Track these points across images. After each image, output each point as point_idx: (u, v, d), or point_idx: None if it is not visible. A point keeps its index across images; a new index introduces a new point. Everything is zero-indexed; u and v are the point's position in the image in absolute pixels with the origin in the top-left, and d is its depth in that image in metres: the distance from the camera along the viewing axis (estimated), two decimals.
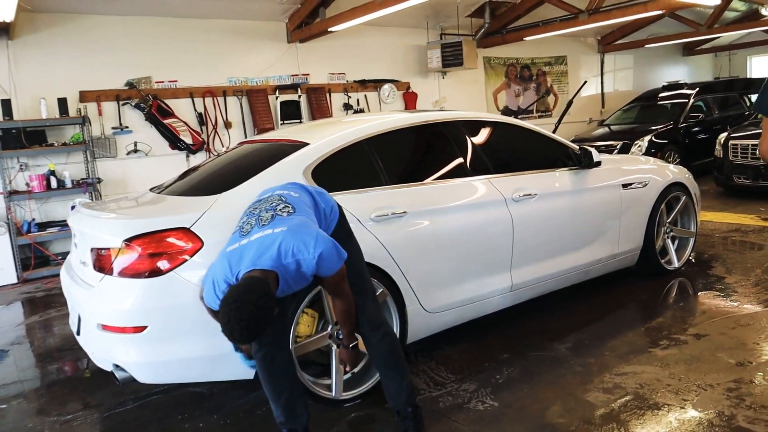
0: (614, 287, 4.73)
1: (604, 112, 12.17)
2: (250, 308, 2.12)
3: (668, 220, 5.00)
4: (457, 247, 3.60)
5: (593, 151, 4.26)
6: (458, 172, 3.81)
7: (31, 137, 6.99)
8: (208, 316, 2.56)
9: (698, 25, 11.25)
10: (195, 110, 8.30)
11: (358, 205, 3.31)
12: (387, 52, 9.92)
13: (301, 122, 8.88)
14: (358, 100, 9.61)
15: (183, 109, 8.23)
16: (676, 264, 4.99)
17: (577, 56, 12.22)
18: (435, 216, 3.53)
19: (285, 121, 8.81)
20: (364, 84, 9.65)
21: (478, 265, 3.72)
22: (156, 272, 2.84)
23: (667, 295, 4.58)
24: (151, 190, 3.88)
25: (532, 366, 3.49)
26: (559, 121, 5.65)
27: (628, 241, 4.63)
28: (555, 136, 4.39)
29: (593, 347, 3.66)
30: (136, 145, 7.91)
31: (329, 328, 3.17)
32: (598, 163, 4.26)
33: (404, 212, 3.40)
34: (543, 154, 4.34)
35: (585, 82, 5.48)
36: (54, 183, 7.11)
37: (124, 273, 2.87)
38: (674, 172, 5.08)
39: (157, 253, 2.86)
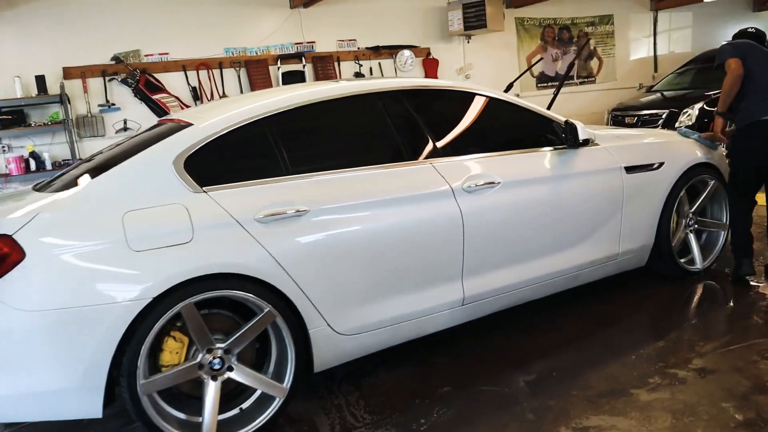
0: (619, 293, 3.84)
1: (656, 77, 10.81)
2: None
3: (691, 210, 4.02)
4: (383, 252, 2.84)
5: (578, 125, 3.35)
6: (391, 156, 3.02)
7: (11, 117, 6.62)
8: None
9: None
10: (188, 84, 7.73)
11: (242, 202, 2.61)
12: (404, 15, 9.01)
13: None
14: (371, 69, 8.79)
15: (175, 83, 7.67)
16: (699, 265, 4.02)
17: (625, 15, 10.87)
18: (350, 213, 2.78)
19: None
20: (377, 51, 8.81)
21: (414, 274, 2.95)
22: None
23: (680, 307, 3.65)
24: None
25: (474, 407, 2.71)
26: (554, 98, 4.67)
27: (634, 237, 3.71)
28: (535, 107, 3.50)
29: (560, 382, 2.85)
30: (125, 123, 7.44)
31: (200, 357, 2.52)
32: (586, 142, 3.35)
33: (305, 210, 2.66)
34: (517, 131, 3.48)
35: (540, 58, 4.48)
36: (33, 165, 6.74)
37: None
38: (703, 149, 4.08)
39: None
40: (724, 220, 4.17)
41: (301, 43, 8.32)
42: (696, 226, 4.07)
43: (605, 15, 10.65)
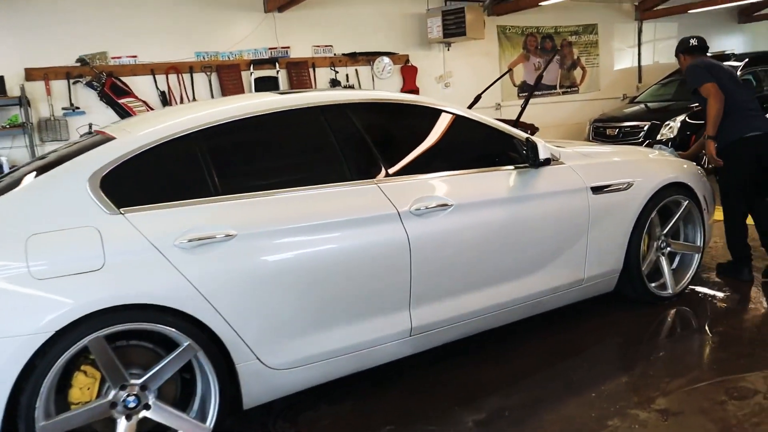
0: (585, 319, 3.63)
1: (640, 87, 10.68)
2: None
3: (663, 232, 3.82)
4: (320, 280, 2.61)
5: (539, 143, 3.13)
6: (333, 176, 2.79)
7: None
8: None
9: None
10: (157, 88, 7.49)
11: (162, 225, 2.37)
12: (382, 21, 8.82)
13: None
14: (347, 76, 8.59)
15: (144, 87, 7.43)
16: (671, 290, 3.82)
17: (609, 24, 10.74)
18: (284, 238, 2.55)
19: None
20: (354, 57, 8.60)
21: (356, 303, 2.72)
22: None
23: (647, 336, 3.44)
24: None
25: None
26: (523, 109, 4.48)
27: (601, 262, 3.50)
28: (496, 123, 3.28)
29: (512, 423, 2.62)
30: (90, 127, 7.14)
31: (112, 394, 2.28)
32: (547, 161, 3.13)
33: (232, 234, 2.43)
34: (474, 149, 3.25)
35: (509, 69, 4.39)
36: None
37: None
38: (676, 167, 3.89)
39: None
40: (698, 243, 3.98)
41: (276, 49, 8.10)
42: (669, 248, 3.87)
43: (589, 24, 10.51)
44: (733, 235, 4.13)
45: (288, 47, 8.19)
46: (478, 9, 8.64)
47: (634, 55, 11.11)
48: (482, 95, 4.63)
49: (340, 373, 2.77)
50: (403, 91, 9.00)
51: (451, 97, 9.27)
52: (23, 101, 6.53)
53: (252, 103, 2.82)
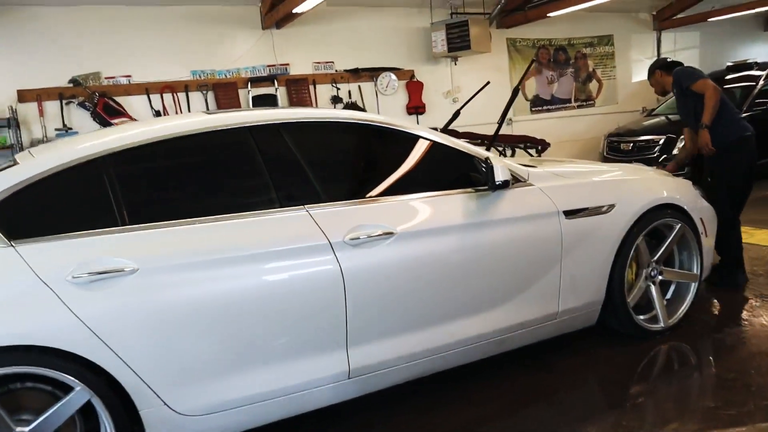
0: (564, 357, 3.28)
1: (660, 100, 10.20)
2: None
3: (653, 259, 3.46)
4: (238, 319, 2.35)
5: (497, 163, 2.81)
6: (259, 202, 2.53)
7: None
8: None
9: None
10: (152, 108, 7.38)
11: (54, 259, 2.15)
12: (386, 35, 8.60)
13: None
14: (349, 92, 8.38)
15: (138, 107, 7.33)
16: (662, 323, 3.44)
17: (626, 35, 10.32)
18: (195, 272, 2.30)
19: None
20: (356, 73, 8.39)
21: (281, 343, 2.45)
22: None
23: (629, 378, 3.07)
24: None
25: None
26: (499, 126, 4.17)
27: (578, 293, 3.16)
28: (454, 141, 2.98)
29: None
30: None
31: None
32: (505, 184, 2.81)
33: (133, 269, 2.19)
34: (425, 170, 2.96)
35: (488, 82, 4.22)
36: None
37: None
38: (667, 187, 3.53)
39: None
40: (695, 270, 3.60)
41: (274, 65, 7.95)
42: (660, 277, 3.50)
43: (604, 35, 10.12)
44: (728, 236, 4.10)
45: (287, 64, 8.02)
46: (483, 22, 8.35)
47: None
48: (461, 111, 4.31)
49: (267, 419, 2.50)
50: (409, 107, 8.76)
51: (461, 112, 8.97)
52: (12, 123, 6.47)
53: (172, 124, 2.59)
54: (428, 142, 2.90)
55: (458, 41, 8.16)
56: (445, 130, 6.28)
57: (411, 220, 2.69)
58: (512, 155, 8.35)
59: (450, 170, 2.94)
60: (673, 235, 3.47)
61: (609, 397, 2.92)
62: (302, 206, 2.56)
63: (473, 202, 2.85)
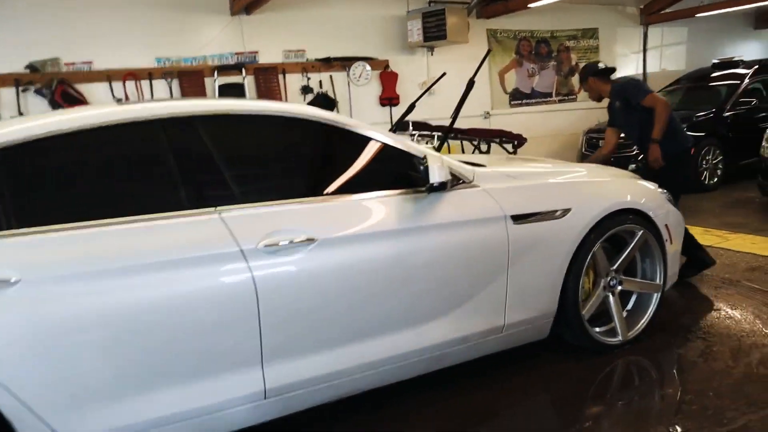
0: (513, 372, 3.05)
1: None
2: None
3: (613, 268, 3.22)
4: (135, 335, 2.09)
5: (435, 163, 2.54)
6: (164, 204, 2.26)
7: None
8: None
9: None
10: (113, 96, 7.06)
11: None
12: (360, 24, 8.30)
13: None
14: (321, 82, 8.08)
15: (99, 95, 7.00)
16: (620, 336, 3.21)
17: (611, 29, 10.05)
18: (84, 284, 2.03)
19: None
20: (328, 62, 8.09)
21: (186, 361, 2.20)
22: None
23: (578, 398, 2.83)
24: None
25: None
26: (455, 119, 3.92)
27: (528, 304, 2.92)
28: (388, 136, 2.72)
29: None
30: None
31: None
32: (443, 185, 2.55)
33: (16, 280, 1.93)
34: (355, 170, 2.69)
35: (443, 74, 3.98)
36: None
37: None
38: (630, 191, 3.29)
39: None
40: (657, 280, 3.36)
41: (243, 53, 7.64)
42: (620, 287, 3.26)
43: (589, 28, 9.86)
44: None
45: (256, 52, 7.72)
46: (461, 11, 8.07)
47: (639, 61, 10.41)
48: (416, 104, 4.03)
49: None
50: (382, 98, 8.48)
51: (437, 105, 8.71)
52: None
53: (69, 117, 2.30)
54: (363, 138, 2.63)
55: (434, 30, 7.89)
56: (399, 124, 6.02)
57: (337, 224, 2.43)
58: (487, 151, 8.10)
59: (386, 169, 2.68)
60: (634, 242, 3.23)
61: (554, 419, 2.69)
62: (214, 208, 2.30)
63: (409, 204, 2.60)
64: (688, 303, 3.84)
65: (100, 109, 2.44)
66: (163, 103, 2.50)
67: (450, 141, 8.37)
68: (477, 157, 3.91)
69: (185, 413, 2.21)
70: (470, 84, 3.74)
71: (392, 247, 2.51)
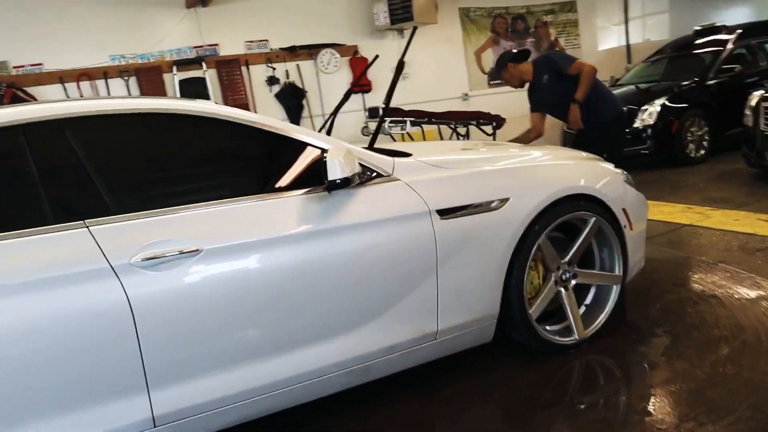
0: (453, 379, 2.77)
1: (630, 69, 9.60)
2: None
3: (565, 260, 2.92)
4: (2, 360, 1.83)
5: (334, 157, 2.22)
6: (22, 219, 1.98)
7: None
8: None
9: None
10: (68, 98, 6.78)
11: None
12: (324, 9, 7.98)
13: None
14: (287, 72, 7.78)
15: (53, 97, 6.73)
16: (576, 335, 2.91)
17: (590, 1, 9.68)
18: None
19: None
20: (294, 51, 7.79)
21: (59, 387, 1.93)
22: None
23: (524, 409, 2.54)
24: None
25: None
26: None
27: (463, 307, 2.63)
28: (286, 127, 2.41)
29: None
30: None
31: None
32: (345, 182, 2.24)
33: None
34: (248, 167, 2.40)
35: (377, 56, 3.59)
36: None
37: None
38: (580, 173, 2.99)
39: None
40: (616, 270, 3.06)
41: (202, 47, 7.33)
42: (575, 280, 2.97)
43: (567, 1, 9.49)
44: None
45: (216, 45, 7.42)
46: None
47: (621, 33, 10.03)
48: (339, 111, 3.69)
49: None
50: (352, 84, 8.15)
51: (412, 89, 8.40)
52: None
53: None
54: (255, 131, 2.33)
55: (401, 12, 7.56)
56: (371, 112, 5.72)
57: (225, 232, 2.14)
58: (466, 134, 7.80)
59: (285, 166, 2.37)
60: (586, 231, 2.93)
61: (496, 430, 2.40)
62: (82, 221, 2.01)
63: (312, 205, 2.30)
64: (657, 292, 3.53)
65: None
66: (27, 106, 2.20)
67: (425, 126, 8.09)
68: (413, 146, 3.61)
69: None
70: (400, 65, 3.41)
71: (291, 255, 2.22)
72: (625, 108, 7.35)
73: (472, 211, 2.59)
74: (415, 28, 3.57)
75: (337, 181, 2.19)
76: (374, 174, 2.45)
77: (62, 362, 1.92)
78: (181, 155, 2.31)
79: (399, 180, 2.50)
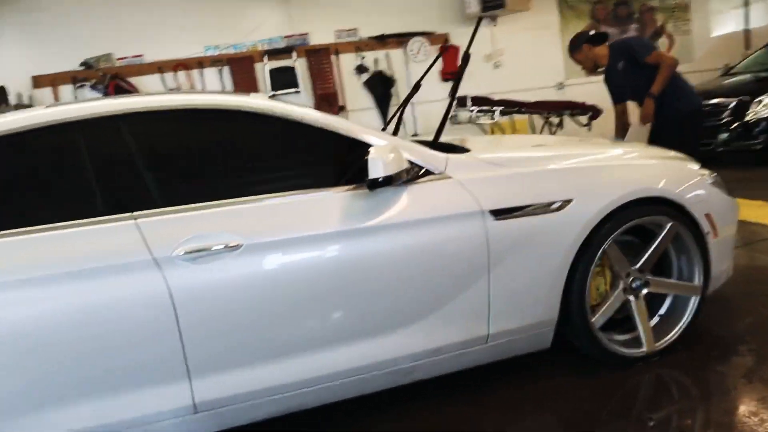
0: (505, 386, 2.64)
1: (747, 56, 8.79)
2: None
3: (636, 267, 2.71)
4: (50, 345, 1.97)
5: (377, 157, 2.15)
6: (75, 212, 2.09)
7: None
8: None
9: None
10: (165, 87, 7.15)
11: None
12: None
13: (298, 92, 7.42)
14: (376, 60, 7.77)
15: (152, 86, 7.14)
16: (645, 347, 2.70)
17: None
18: None
19: (277, 92, 7.34)
20: (383, 40, 7.77)
21: (104, 372, 2.04)
22: None
23: (581, 424, 2.38)
24: None
25: None
26: (454, 96, 3.46)
27: (518, 311, 2.51)
28: (338, 124, 2.37)
29: None
30: None
31: None
32: (387, 180, 2.16)
33: None
34: (293, 163, 2.38)
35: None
36: None
37: None
38: (654, 174, 2.75)
39: None
40: (695, 281, 2.80)
41: (292, 36, 7.47)
42: (646, 289, 2.74)
43: None
44: None
45: (306, 34, 7.53)
46: None
47: (739, 17, 9.18)
48: (407, 103, 3.59)
49: None
50: (444, 73, 8.01)
51: (504, 78, 8.17)
52: (19, 108, 6.44)
53: None
54: (304, 126, 2.31)
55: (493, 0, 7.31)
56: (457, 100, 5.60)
57: (268, 227, 2.15)
58: (559, 124, 7.50)
59: (330, 162, 2.35)
60: (661, 237, 2.70)
61: None
62: (130, 214, 2.09)
63: (356, 203, 2.26)
64: (748, 306, 3.21)
65: (18, 114, 2.28)
66: (87, 103, 2.31)
67: (517, 116, 7.85)
68: (478, 141, 3.48)
69: (106, 426, 2.05)
70: (466, 57, 3.27)
71: (332, 252, 2.20)
72: (736, 99, 6.87)
73: (529, 212, 2.44)
74: (479, 20, 3.42)
75: (379, 179, 2.13)
76: (423, 171, 2.37)
77: (110, 347, 2.03)
78: (226, 150, 2.34)
79: (451, 178, 2.41)
